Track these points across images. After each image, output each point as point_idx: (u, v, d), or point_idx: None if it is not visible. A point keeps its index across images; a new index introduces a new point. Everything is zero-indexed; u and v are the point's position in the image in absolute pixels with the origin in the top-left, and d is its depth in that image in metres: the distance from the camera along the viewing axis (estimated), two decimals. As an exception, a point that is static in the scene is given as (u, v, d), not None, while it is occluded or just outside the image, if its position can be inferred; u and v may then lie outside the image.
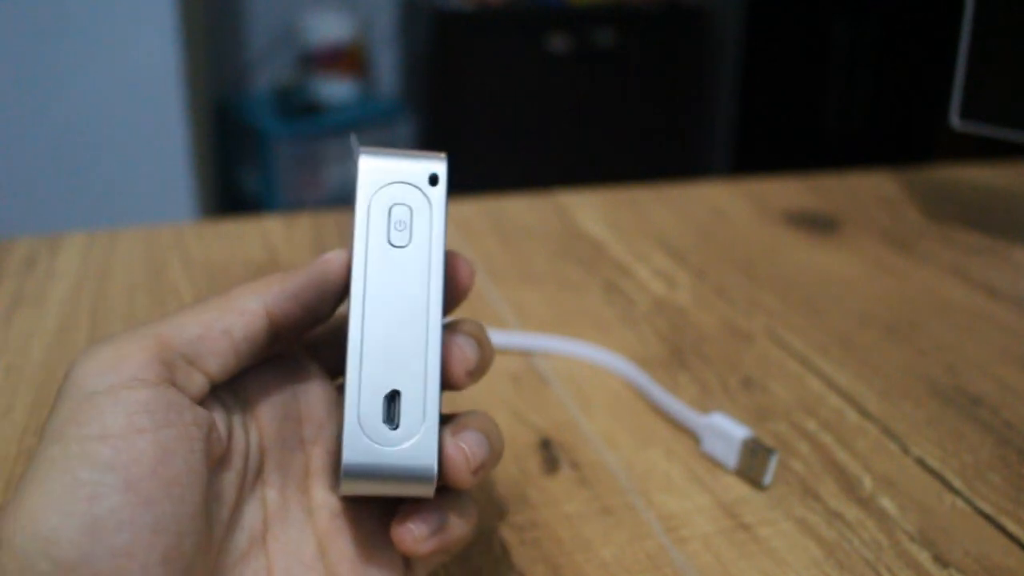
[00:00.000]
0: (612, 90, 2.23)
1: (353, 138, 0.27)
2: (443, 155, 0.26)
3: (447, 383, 0.25)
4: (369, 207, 0.25)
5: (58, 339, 0.45)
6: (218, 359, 0.24)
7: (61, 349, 0.44)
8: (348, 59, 2.09)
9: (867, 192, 0.70)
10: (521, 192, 0.68)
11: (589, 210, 0.65)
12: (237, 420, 0.25)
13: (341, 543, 0.25)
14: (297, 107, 2.04)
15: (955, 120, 0.60)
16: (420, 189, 0.26)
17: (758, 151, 2.41)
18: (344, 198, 2.04)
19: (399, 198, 0.25)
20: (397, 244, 0.25)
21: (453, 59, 2.10)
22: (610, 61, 2.20)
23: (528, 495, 0.35)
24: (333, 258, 0.27)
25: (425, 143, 2.16)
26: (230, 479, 0.24)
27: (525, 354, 0.45)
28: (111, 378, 0.22)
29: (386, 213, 0.25)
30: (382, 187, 0.25)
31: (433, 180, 0.26)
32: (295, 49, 2.17)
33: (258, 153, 2.02)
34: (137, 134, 1.51)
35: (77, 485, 0.20)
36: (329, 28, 2.06)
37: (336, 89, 2.08)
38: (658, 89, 2.28)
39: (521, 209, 0.64)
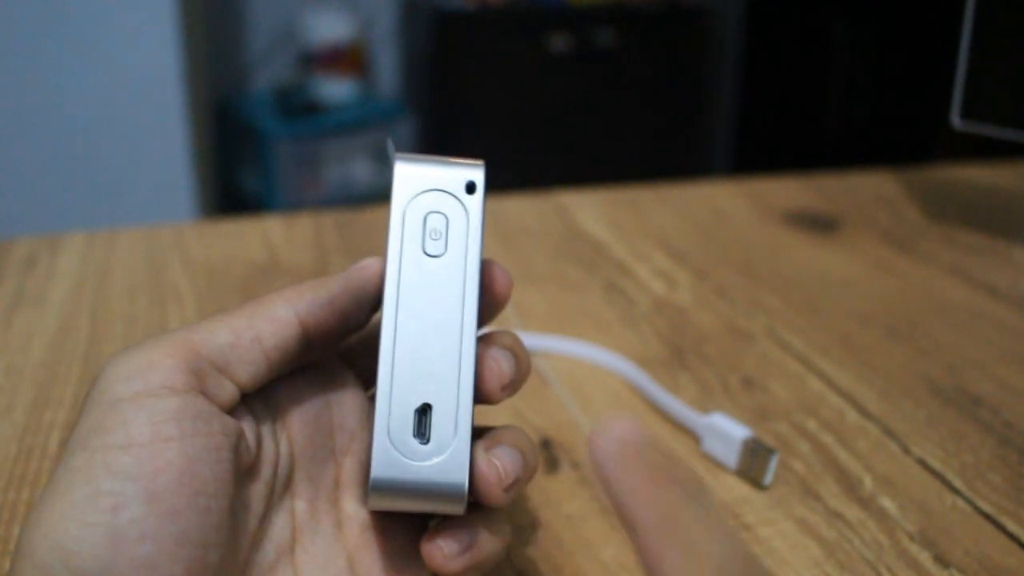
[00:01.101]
0: (612, 90, 2.23)
1: (390, 143, 0.27)
2: (480, 162, 0.25)
3: (481, 397, 0.25)
4: (404, 215, 0.25)
5: (58, 339, 0.45)
6: (248, 367, 0.23)
7: (61, 349, 0.44)
8: (348, 59, 2.09)
9: (867, 192, 0.70)
10: (521, 192, 0.68)
11: (589, 210, 0.65)
12: (267, 429, 0.25)
13: (370, 557, 0.25)
14: (297, 107, 2.04)
15: (956, 120, 0.60)
16: (457, 197, 0.25)
17: (758, 151, 2.41)
18: (344, 198, 2.04)
19: (435, 206, 0.25)
20: (432, 253, 0.25)
21: (453, 59, 2.10)
22: (610, 61, 2.20)
23: (528, 495, 0.35)
24: (369, 265, 0.26)
25: (425, 143, 2.16)
26: (258, 490, 0.24)
27: (525, 354, 0.45)
28: (138, 385, 0.21)
29: (421, 221, 0.25)
30: (418, 195, 0.25)
31: (470, 188, 0.25)
32: (295, 49, 2.17)
33: (258, 153, 2.02)
34: (137, 134, 1.51)
35: (99, 495, 0.20)
36: (329, 28, 2.05)
37: (336, 89, 2.08)
38: (658, 89, 2.27)
39: (521, 209, 0.64)
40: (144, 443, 0.21)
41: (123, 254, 0.55)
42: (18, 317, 0.47)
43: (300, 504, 0.25)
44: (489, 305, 0.27)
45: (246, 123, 2.05)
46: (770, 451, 0.35)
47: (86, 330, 0.46)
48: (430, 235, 0.25)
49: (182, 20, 1.50)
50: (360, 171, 2.07)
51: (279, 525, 0.24)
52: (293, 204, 2.01)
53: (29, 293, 0.49)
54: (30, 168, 1.48)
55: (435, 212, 0.25)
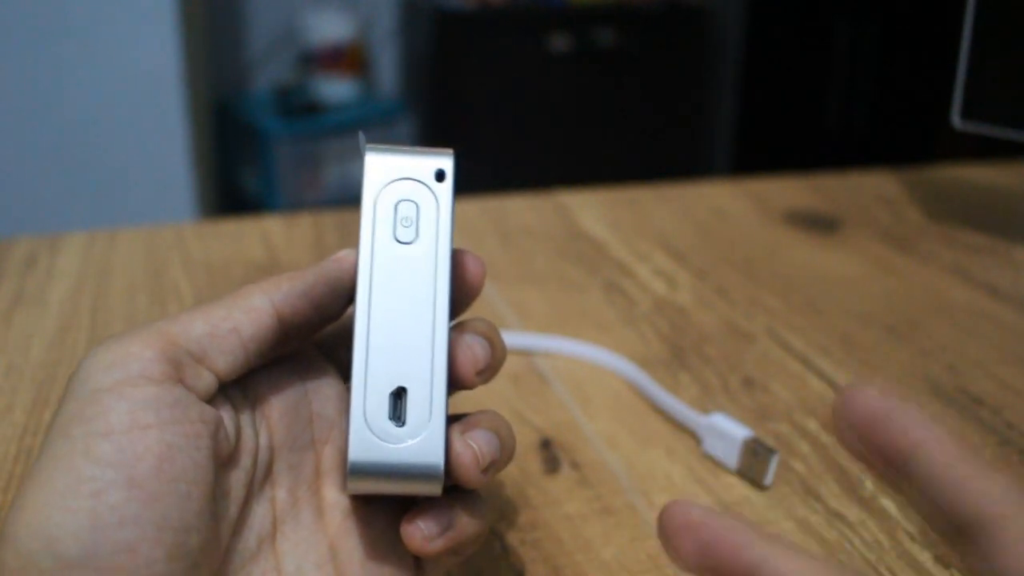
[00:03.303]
0: (612, 90, 2.23)
1: (361, 136, 0.27)
2: (450, 151, 0.26)
3: (457, 382, 0.25)
4: (375, 204, 0.25)
5: (58, 339, 0.45)
6: (226, 357, 0.24)
7: (61, 349, 0.44)
8: (348, 59, 2.09)
9: (868, 192, 0.70)
10: (522, 192, 0.68)
11: (590, 210, 0.65)
12: (246, 419, 0.25)
13: (352, 543, 0.25)
14: (297, 107, 2.04)
15: (956, 120, 0.60)
16: (427, 185, 0.25)
17: (759, 151, 2.41)
18: (344, 198, 2.04)
19: (405, 194, 0.25)
20: (403, 240, 0.25)
21: (453, 59, 2.10)
22: (610, 61, 2.20)
23: (528, 495, 0.35)
24: (344, 256, 0.26)
25: (425, 143, 2.15)
26: (238, 478, 0.24)
27: (525, 354, 0.45)
28: (117, 375, 0.22)
29: (392, 209, 0.25)
30: (388, 183, 0.25)
31: (440, 176, 0.25)
32: (295, 49, 2.17)
33: (258, 153, 2.02)
34: (137, 134, 1.51)
35: (80, 481, 0.20)
36: (329, 28, 2.06)
37: (336, 89, 2.08)
38: (658, 89, 2.27)
39: (522, 209, 0.64)
40: (123, 431, 0.21)
41: (123, 254, 0.55)
42: (18, 317, 0.47)
43: (280, 493, 0.25)
44: (463, 294, 0.27)
45: (246, 123, 2.05)
46: (771, 451, 0.35)
47: (86, 330, 0.46)
48: (401, 222, 0.25)
49: (182, 20, 1.50)
50: (360, 171, 2.07)
51: (260, 513, 0.25)
52: (293, 204, 2.01)
53: (29, 293, 0.49)
54: (30, 168, 1.48)
55: (406, 200, 0.25)
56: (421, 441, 0.24)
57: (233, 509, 0.24)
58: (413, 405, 0.24)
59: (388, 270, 0.25)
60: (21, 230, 0.59)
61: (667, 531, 0.20)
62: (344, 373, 0.28)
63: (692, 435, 0.39)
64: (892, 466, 0.20)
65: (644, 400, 0.42)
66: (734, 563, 0.19)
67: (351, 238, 0.58)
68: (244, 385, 0.25)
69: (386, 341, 0.24)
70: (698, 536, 0.19)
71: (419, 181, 0.25)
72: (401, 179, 0.25)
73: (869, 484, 0.36)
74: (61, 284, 0.51)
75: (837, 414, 0.21)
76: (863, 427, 0.20)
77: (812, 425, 0.40)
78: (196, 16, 1.71)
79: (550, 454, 0.37)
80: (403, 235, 0.25)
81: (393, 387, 0.24)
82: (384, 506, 0.26)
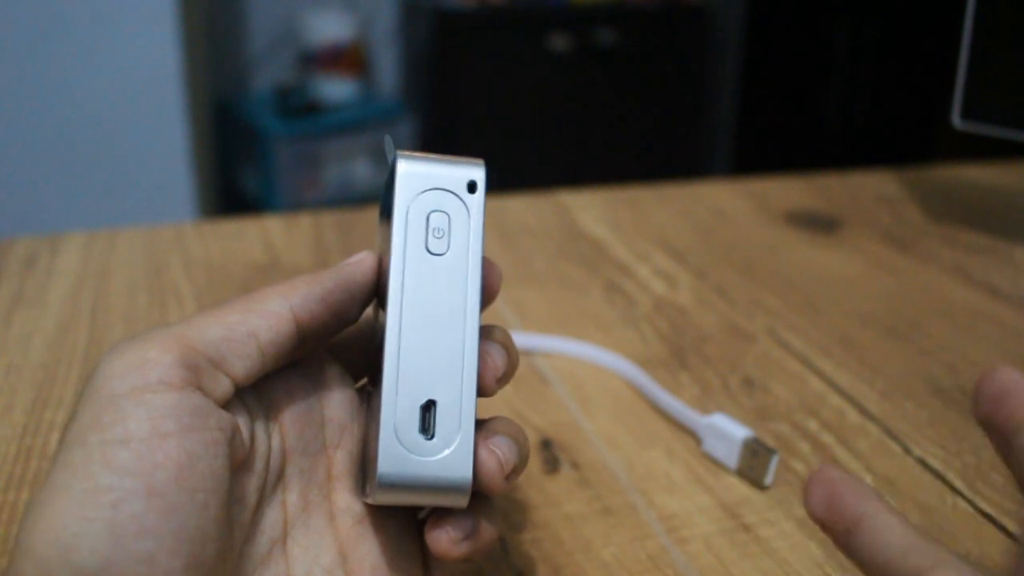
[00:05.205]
0: (613, 90, 2.23)
1: (388, 140, 0.27)
2: (481, 161, 0.26)
3: (477, 390, 0.25)
4: (407, 213, 0.25)
5: (58, 339, 0.45)
6: (243, 362, 0.23)
7: (61, 349, 0.44)
8: (348, 59, 2.09)
9: (868, 192, 0.70)
10: (522, 192, 0.68)
11: (590, 210, 0.65)
12: (260, 423, 0.25)
13: (362, 548, 0.25)
14: (297, 107, 2.04)
15: (956, 120, 0.60)
16: (459, 196, 0.25)
17: (759, 151, 2.40)
18: (344, 198, 2.04)
19: (437, 205, 0.25)
20: (435, 252, 0.25)
21: (453, 59, 2.10)
22: (611, 61, 2.20)
23: (529, 495, 0.35)
24: (361, 260, 0.26)
25: (425, 143, 2.16)
26: (251, 483, 0.24)
27: (526, 354, 0.45)
28: (135, 381, 0.21)
29: (424, 220, 0.25)
30: (420, 193, 0.25)
31: (472, 187, 0.26)
32: (295, 49, 2.17)
33: (258, 153, 2.02)
34: (137, 134, 1.51)
35: (99, 490, 0.20)
36: (329, 28, 2.05)
37: (336, 89, 2.08)
38: (659, 89, 2.27)
39: (522, 209, 0.64)
40: (143, 438, 0.21)
41: (123, 254, 0.55)
42: (18, 317, 0.47)
43: (292, 497, 0.25)
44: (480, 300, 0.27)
45: (246, 123, 2.05)
46: (771, 451, 0.35)
47: (86, 330, 0.46)
48: (433, 233, 0.25)
49: (182, 20, 1.50)
50: (360, 171, 2.07)
51: (271, 517, 0.25)
52: (293, 204, 2.01)
53: (29, 293, 0.49)
54: (30, 168, 1.48)
55: (438, 211, 0.25)
56: (450, 455, 0.24)
57: (246, 514, 0.24)
58: (442, 418, 0.24)
59: (420, 282, 0.25)
60: (21, 230, 0.59)
61: (808, 484, 0.23)
62: (355, 375, 0.28)
63: (692, 435, 0.39)
64: (1003, 439, 0.23)
65: (644, 400, 0.42)
66: (844, 512, 0.22)
67: (351, 238, 0.58)
68: (257, 389, 0.25)
69: (416, 354, 0.24)
70: (825, 488, 0.22)
71: (451, 192, 0.25)
72: (433, 189, 0.25)
73: (869, 484, 0.36)
74: (61, 284, 0.51)
75: (977, 386, 0.23)
76: (991, 400, 0.23)
77: (812, 425, 0.40)
78: (196, 16, 1.71)
79: (550, 454, 0.37)
80: (435, 246, 0.25)
81: (423, 400, 0.24)
82: (395, 512, 0.26)
